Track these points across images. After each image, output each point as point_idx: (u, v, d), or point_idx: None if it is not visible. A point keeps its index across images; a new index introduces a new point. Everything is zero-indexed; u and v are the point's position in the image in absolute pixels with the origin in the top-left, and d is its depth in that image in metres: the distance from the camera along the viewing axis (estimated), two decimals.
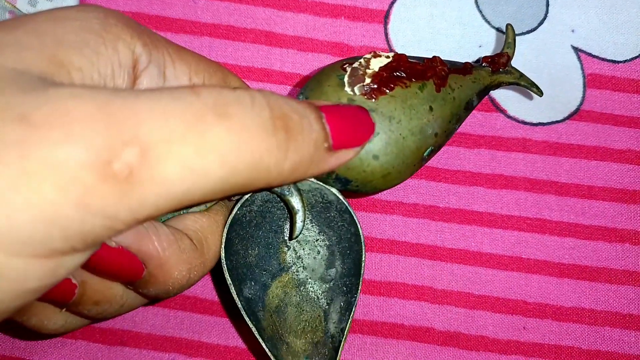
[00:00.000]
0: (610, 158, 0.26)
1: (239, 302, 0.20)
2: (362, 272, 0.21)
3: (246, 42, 0.26)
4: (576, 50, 0.27)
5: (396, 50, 0.26)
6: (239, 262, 0.21)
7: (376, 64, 0.20)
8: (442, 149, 0.26)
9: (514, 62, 0.24)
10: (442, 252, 0.25)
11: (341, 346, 0.21)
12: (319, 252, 0.22)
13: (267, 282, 0.22)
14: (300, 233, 0.20)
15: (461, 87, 0.21)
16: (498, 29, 0.27)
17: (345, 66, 0.20)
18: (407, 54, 0.21)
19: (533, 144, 0.26)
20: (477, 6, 0.27)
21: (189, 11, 0.26)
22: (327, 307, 0.22)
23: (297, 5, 0.27)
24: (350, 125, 0.18)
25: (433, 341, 0.25)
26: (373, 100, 0.20)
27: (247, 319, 0.20)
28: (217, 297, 0.25)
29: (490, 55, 0.23)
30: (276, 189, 0.20)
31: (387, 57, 0.21)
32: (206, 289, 0.25)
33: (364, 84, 0.20)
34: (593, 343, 0.24)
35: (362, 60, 0.20)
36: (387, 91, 0.20)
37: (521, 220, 0.25)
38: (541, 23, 0.27)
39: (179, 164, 0.14)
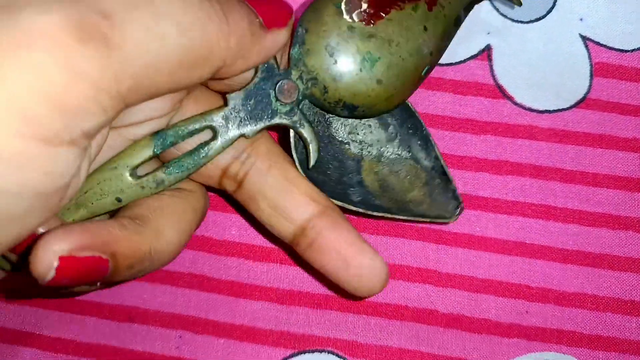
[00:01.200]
0: (616, 146, 0.26)
1: (374, 211, 0.22)
2: (411, 108, 0.23)
3: None
4: (584, 38, 0.27)
5: None
6: (331, 185, 0.22)
7: None
8: (449, 134, 0.26)
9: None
10: (447, 236, 0.25)
11: (445, 167, 0.23)
12: (369, 126, 0.23)
13: (359, 178, 0.23)
14: (316, 161, 0.21)
15: (450, 4, 0.21)
16: (506, 17, 0.27)
17: None
18: None
19: (539, 131, 0.26)
20: None
21: None
22: (410, 154, 0.23)
23: None
24: (271, 7, 0.20)
25: (436, 323, 0.25)
26: (372, 25, 0.20)
27: (388, 215, 0.22)
28: (223, 276, 0.26)
29: None
30: (287, 122, 0.21)
31: None
32: (213, 268, 0.26)
33: (361, 10, 0.20)
34: (594, 328, 0.25)
35: None
36: (384, 15, 0.20)
37: (526, 206, 0.25)
38: (550, 11, 0.27)
39: (142, 27, 0.16)
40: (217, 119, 0.20)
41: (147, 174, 0.20)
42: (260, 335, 0.25)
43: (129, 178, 0.20)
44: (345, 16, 0.20)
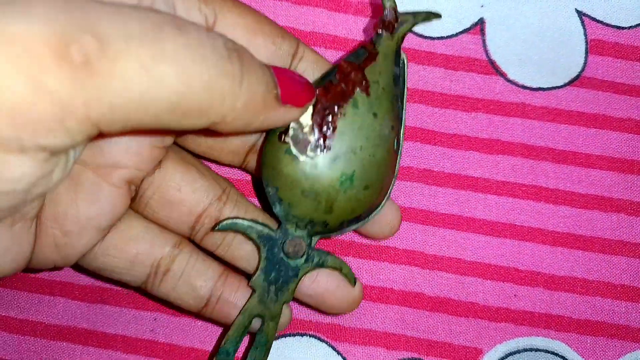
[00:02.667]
0: (610, 126, 0.25)
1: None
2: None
3: None
4: (580, 14, 0.26)
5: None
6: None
7: (306, 117, 0.20)
8: (439, 111, 0.25)
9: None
10: (434, 216, 0.25)
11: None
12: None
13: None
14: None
15: (381, 74, 0.20)
16: None
17: (283, 138, 0.20)
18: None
19: (532, 109, 0.25)
20: None
21: None
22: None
23: None
24: (295, 84, 0.18)
25: (422, 306, 0.24)
26: (329, 150, 0.20)
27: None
28: None
29: (379, 21, 0.21)
30: (312, 269, 0.22)
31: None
32: None
33: (312, 144, 0.20)
34: (583, 312, 0.24)
35: (292, 123, 0.20)
36: (334, 134, 0.20)
37: (516, 187, 0.25)
38: None
39: (137, 63, 0.14)
40: (255, 307, 0.21)
41: None
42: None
43: None
44: (301, 157, 0.20)
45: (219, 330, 0.24)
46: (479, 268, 0.24)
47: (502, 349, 0.24)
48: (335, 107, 0.20)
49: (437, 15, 0.21)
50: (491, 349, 0.24)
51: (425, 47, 0.25)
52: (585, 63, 0.26)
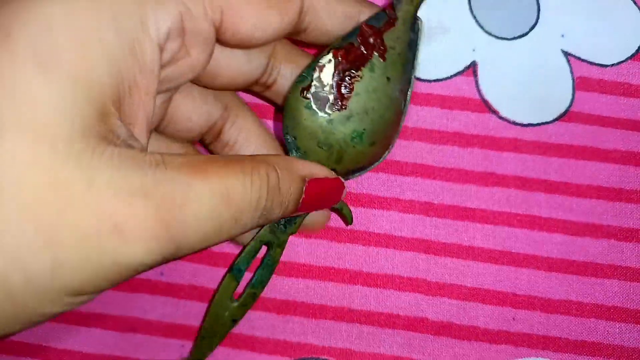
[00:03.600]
0: (598, 158, 0.27)
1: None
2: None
3: None
4: (566, 54, 0.28)
5: None
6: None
7: (327, 76, 0.22)
8: (438, 147, 0.27)
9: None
10: (436, 246, 0.26)
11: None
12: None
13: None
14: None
15: (398, 39, 0.22)
16: (490, 34, 0.28)
17: (305, 94, 0.22)
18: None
19: (524, 143, 0.27)
20: (471, 11, 0.28)
21: None
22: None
23: None
24: (323, 197, 0.22)
25: (427, 331, 0.26)
26: (345, 108, 0.22)
27: None
28: None
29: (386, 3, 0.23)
30: None
31: (329, 60, 0.22)
32: (213, 280, 0.27)
33: (330, 102, 0.22)
34: (579, 334, 0.26)
35: (314, 81, 0.22)
36: (350, 94, 0.22)
37: (512, 217, 0.27)
38: (532, 28, 0.28)
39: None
40: (266, 235, 0.24)
41: (241, 296, 0.24)
42: (258, 344, 0.26)
43: (230, 303, 0.24)
44: (320, 113, 0.22)
45: (241, 354, 0.26)
46: (479, 293, 0.26)
47: None
48: (354, 70, 0.22)
49: None
50: None
51: (423, 90, 0.28)
52: (572, 99, 0.27)
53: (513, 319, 0.26)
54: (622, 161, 0.27)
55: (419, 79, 0.28)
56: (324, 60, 0.22)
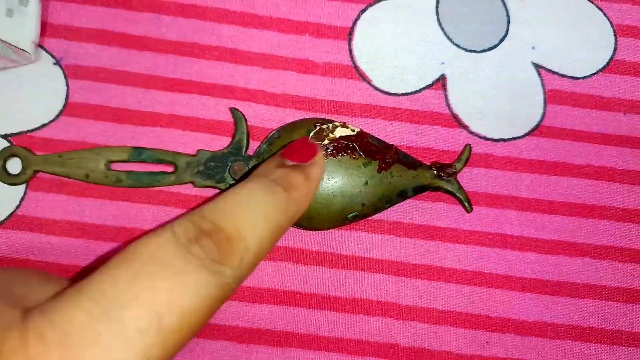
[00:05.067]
0: (570, 173, 0.26)
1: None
2: None
3: (211, 59, 0.26)
4: (537, 66, 0.27)
5: (360, 66, 0.27)
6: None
7: (339, 132, 0.24)
8: None
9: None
10: (405, 267, 0.25)
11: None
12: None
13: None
14: None
15: (400, 177, 0.24)
16: (459, 46, 0.27)
17: (316, 124, 0.24)
18: (369, 133, 0.25)
19: (495, 159, 0.26)
20: (440, 24, 0.27)
21: (154, 28, 0.26)
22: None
23: (261, 23, 0.27)
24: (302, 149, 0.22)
25: (398, 357, 0.25)
26: (324, 156, 0.24)
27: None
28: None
29: (441, 163, 0.25)
30: (225, 188, 0.25)
31: (352, 130, 0.24)
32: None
33: (322, 143, 0.24)
34: (555, 356, 0.25)
35: (331, 125, 0.24)
36: (336, 155, 0.24)
37: (483, 236, 0.26)
38: (502, 40, 0.27)
39: None
40: (182, 161, 0.25)
41: (114, 170, 0.25)
42: None
43: (102, 166, 0.25)
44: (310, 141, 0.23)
45: None
46: (451, 316, 0.25)
47: None
48: (357, 149, 0.24)
49: (470, 207, 0.25)
50: None
51: (390, 104, 0.27)
52: (544, 113, 0.27)
53: (487, 342, 0.25)
54: (594, 176, 0.26)
55: (386, 93, 0.27)
56: (351, 127, 0.24)
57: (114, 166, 0.25)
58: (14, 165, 0.25)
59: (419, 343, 0.25)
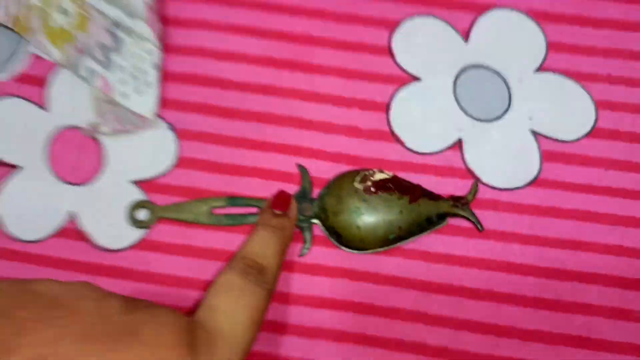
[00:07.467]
0: (561, 216, 0.33)
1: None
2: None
3: (283, 126, 0.35)
4: (534, 133, 0.35)
5: (395, 132, 0.35)
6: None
7: (379, 176, 0.33)
8: None
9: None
10: (432, 286, 0.32)
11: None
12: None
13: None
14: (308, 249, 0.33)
15: (426, 207, 0.32)
16: (472, 117, 0.35)
17: (360, 172, 0.33)
18: (400, 176, 0.33)
19: (501, 204, 0.34)
20: (457, 100, 0.35)
21: (242, 103, 0.35)
22: None
23: (321, 99, 0.35)
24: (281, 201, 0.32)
25: (426, 354, 0.32)
26: (368, 194, 0.32)
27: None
28: None
29: (457, 195, 0.33)
30: (300, 224, 0.33)
31: (388, 174, 0.33)
32: None
33: (366, 184, 0.32)
34: (550, 356, 0.31)
35: (372, 171, 0.33)
36: (378, 192, 0.32)
37: (492, 262, 0.33)
38: (506, 112, 0.35)
39: None
40: (263, 204, 0.33)
41: (215, 214, 0.33)
42: None
43: (206, 211, 0.33)
44: (356, 184, 0.32)
45: None
46: (468, 324, 0.32)
47: None
48: (392, 188, 0.33)
49: (481, 227, 0.33)
50: None
51: (418, 161, 0.34)
52: (540, 169, 0.34)
53: (497, 345, 0.32)
54: (581, 219, 0.33)
55: (415, 152, 0.35)
56: (386, 173, 0.33)
57: (215, 211, 0.33)
58: (141, 213, 0.34)
59: (443, 343, 0.32)
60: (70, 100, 0.35)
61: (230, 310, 0.26)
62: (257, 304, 0.26)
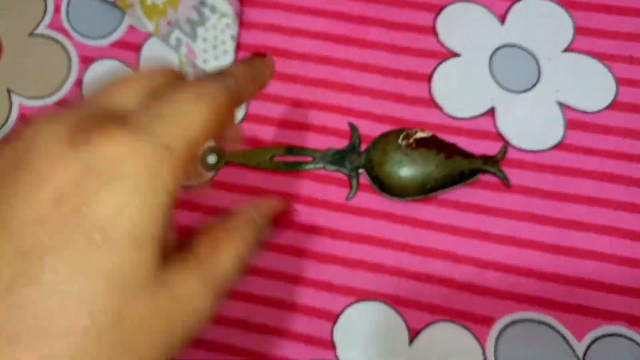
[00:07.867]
0: (582, 176, 0.38)
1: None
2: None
3: (338, 91, 0.41)
4: (559, 104, 0.39)
5: (435, 99, 0.40)
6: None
7: (419, 135, 0.37)
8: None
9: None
10: (462, 231, 0.37)
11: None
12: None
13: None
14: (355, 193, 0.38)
15: (460, 163, 0.37)
16: (504, 88, 0.40)
17: (404, 130, 0.37)
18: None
19: (526, 164, 0.38)
20: (491, 73, 0.40)
21: (302, 71, 0.41)
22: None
23: (371, 68, 0.41)
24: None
25: (454, 288, 0.36)
26: (410, 149, 0.37)
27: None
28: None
29: (487, 155, 0.38)
30: (347, 173, 0.39)
31: (427, 133, 0.38)
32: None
33: (408, 141, 0.37)
34: (563, 296, 0.36)
35: (413, 130, 0.37)
36: (418, 149, 0.37)
37: (516, 213, 0.37)
38: (535, 85, 0.40)
39: None
40: (317, 154, 0.38)
41: (275, 161, 0.39)
42: None
43: (268, 159, 0.39)
44: (400, 141, 0.37)
45: None
46: (492, 264, 0.36)
47: (508, 318, 0.36)
48: (431, 145, 0.38)
49: (507, 182, 0.38)
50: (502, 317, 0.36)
51: (455, 124, 0.39)
52: (564, 135, 0.39)
53: (517, 283, 0.36)
54: (599, 179, 0.38)
55: (452, 117, 0.40)
56: (426, 132, 0.38)
57: (276, 158, 0.39)
58: (211, 158, 0.40)
59: (469, 279, 0.36)
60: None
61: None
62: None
